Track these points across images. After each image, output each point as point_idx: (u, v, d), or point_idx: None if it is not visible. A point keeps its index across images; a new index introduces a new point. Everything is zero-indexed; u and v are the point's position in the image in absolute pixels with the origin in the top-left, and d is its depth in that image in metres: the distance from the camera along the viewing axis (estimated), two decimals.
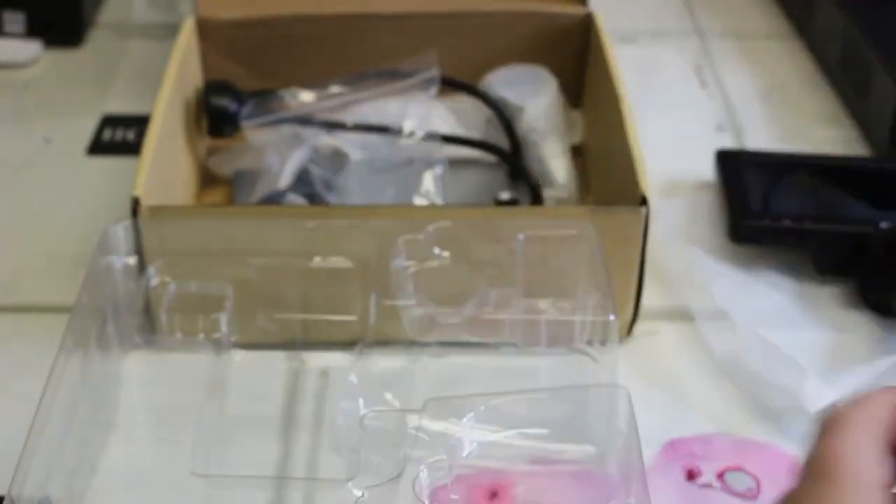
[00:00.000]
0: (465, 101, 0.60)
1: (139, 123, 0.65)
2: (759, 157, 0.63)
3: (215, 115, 0.58)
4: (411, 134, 0.57)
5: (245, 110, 0.58)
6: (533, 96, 0.61)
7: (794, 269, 0.51)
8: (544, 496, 0.43)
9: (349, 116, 0.59)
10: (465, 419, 0.40)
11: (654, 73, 0.67)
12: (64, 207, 0.61)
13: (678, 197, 0.61)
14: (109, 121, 0.69)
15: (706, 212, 0.60)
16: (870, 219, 0.56)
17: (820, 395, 0.43)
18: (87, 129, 0.68)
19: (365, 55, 0.61)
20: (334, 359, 0.48)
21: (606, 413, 0.40)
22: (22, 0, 0.75)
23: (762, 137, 0.69)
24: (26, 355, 0.49)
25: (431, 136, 0.58)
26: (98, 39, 0.79)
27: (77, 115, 0.70)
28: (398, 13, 0.63)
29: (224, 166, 0.60)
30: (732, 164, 0.62)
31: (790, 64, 0.78)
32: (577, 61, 0.64)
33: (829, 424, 0.27)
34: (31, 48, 0.76)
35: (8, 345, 0.50)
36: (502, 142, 0.58)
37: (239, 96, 0.59)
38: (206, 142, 0.60)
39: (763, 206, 0.58)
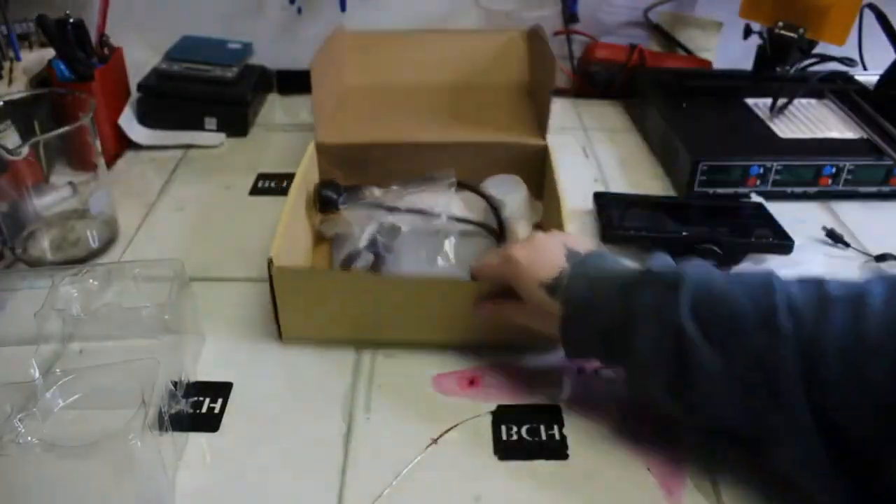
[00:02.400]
0: (472, 196, 0.71)
1: (279, 178, 0.88)
2: (617, 196, 0.82)
3: (324, 201, 0.71)
4: (439, 215, 0.68)
5: (342, 199, 0.70)
6: (512, 194, 0.73)
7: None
8: (506, 379, 0.59)
9: (403, 203, 0.70)
10: None
11: (560, 151, 0.75)
12: (237, 223, 0.81)
13: (577, 219, 0.77)
14: (262, 176, 0.90)
15: (590, 226, 0.78)
16: (678, 230, 0.74)
17: None
18: (249, 181, 0.90)
19: (412, 166, 0.73)
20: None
21: None
22: (214, 110, 0.98)
23: (619, 185, 0.88)
24: (215, 306, 0.68)
25: (451, 218, 0.68)
26: (256, 132, 1.02)
27: (244, 173, 0.91)
28: (430, 142, 0.77)
29: (328, 231, 0.72)
30: (603, 200, 0.80)
31: (633, 145, 0.99)
32: (539, 172, 0.77)
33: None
34: (219, 137, 0.99)
35: (207, 298, 0.68)
36: (493, 222, 0.70)
37: (339, 189, 0.72)
38: (318, 216, 0.73)
39: (619, 222, 0.76)
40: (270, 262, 0.56)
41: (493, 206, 0.70)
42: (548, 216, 0.74)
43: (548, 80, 0.79)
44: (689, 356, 0.45)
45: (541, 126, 0.78)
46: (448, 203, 0.68)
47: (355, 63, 0.94)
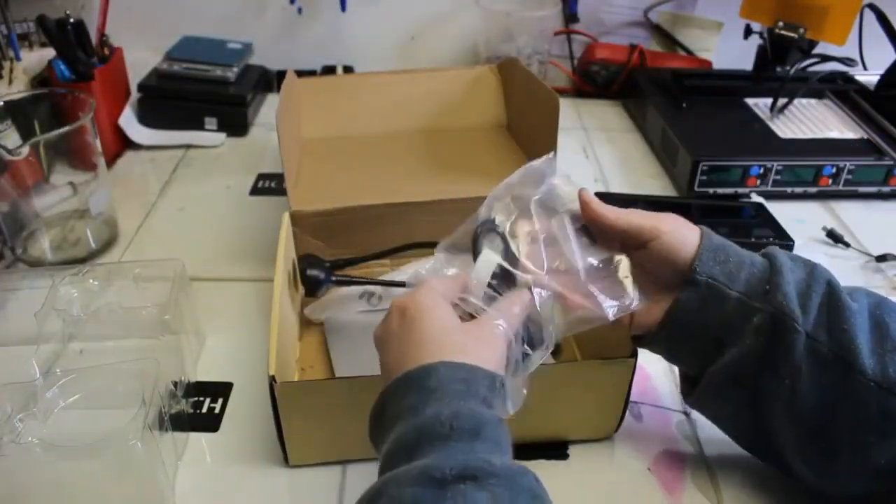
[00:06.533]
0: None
1: (279, 178, 0.89)
2: (617, 195, 0.84)
3: (310, 282, 0.64)
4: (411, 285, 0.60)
5: (328, 279, 0.64)
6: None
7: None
8: None
9: (393, 276, 0.67)
10: None
11: (560, 151, 0.71)
12: (237, 223, 0.84)
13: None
14: (262, 176, 0.93)
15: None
16: None
17: None
18: (250, 181, 0.92)
19: (398, 228, 0.69)
20: None
21: None
22: (214, 110, 1.01)
23: (619, 185, 0.91)
24: (215, 306, 0.69)
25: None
26: (256, 132, 1.04)
27: (244, 173, 0.93)
28: (417, 202, 0.70)
29: (316, 315, 0.67)
30: (603, 200, 0.68)
31: (633, 145, 1.02)
32: None
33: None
34: (219, 137, 1.01)
35: (207, 298, 0.69)
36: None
37: (322, 265, 0.65)
38: (299, 294, 0.66)
39: None
40: (273, 379, 0.48)
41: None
42: None
43: (549, 118, 0.72)
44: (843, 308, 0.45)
45: None
46: (432, 268, 0.58)
47: (313, 113, 0.87)
